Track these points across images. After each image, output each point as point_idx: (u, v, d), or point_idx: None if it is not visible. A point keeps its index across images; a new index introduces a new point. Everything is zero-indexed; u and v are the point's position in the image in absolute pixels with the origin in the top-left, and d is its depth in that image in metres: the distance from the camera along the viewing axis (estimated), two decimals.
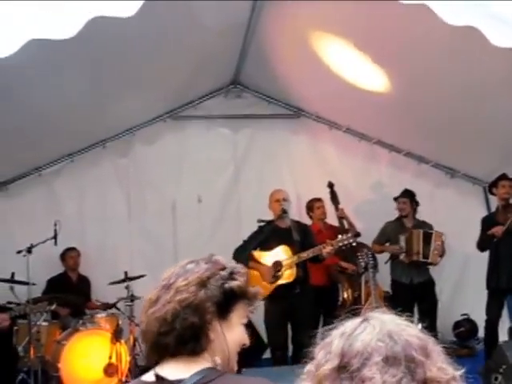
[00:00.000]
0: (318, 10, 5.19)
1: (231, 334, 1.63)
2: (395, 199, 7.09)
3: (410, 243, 6.84)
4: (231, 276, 1.64)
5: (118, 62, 5.67)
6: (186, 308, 1.56)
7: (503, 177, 6.53)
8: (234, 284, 1.62)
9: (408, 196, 7.04)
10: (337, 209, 7.02)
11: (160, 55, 5.93)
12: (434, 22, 3.22)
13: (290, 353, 6.08)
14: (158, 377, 1.57)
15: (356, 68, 6.25)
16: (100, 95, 6.13)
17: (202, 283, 1.59)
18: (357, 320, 1.11)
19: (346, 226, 7.03)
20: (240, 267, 1.71)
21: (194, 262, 1.68)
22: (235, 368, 1.69)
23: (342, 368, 1.05)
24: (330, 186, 7.11)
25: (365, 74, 6.28)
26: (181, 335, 1.56)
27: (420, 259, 6.79)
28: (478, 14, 3.15)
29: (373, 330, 1.07)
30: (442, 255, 6.84)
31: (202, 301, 1.57)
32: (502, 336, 6.59)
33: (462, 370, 1.09)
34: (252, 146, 7.96)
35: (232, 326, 1.63)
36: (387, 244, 7.04)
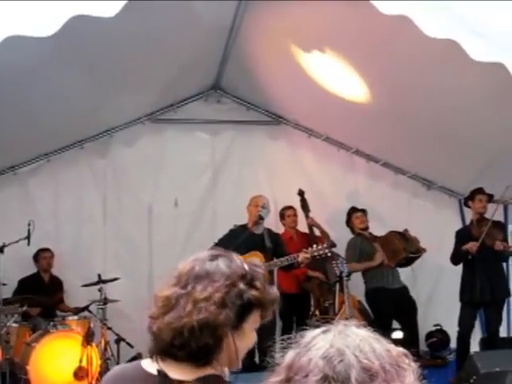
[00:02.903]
0: (301, 18, 5.21)
1: (243, 341, 1.61)
2: (348, 220, 7.17)
3: (390, 245, 6.91)
4: (251, 284, 1.59)
5: (97, 63, 5.63)
6: (204, 329, 1.51)
7: (480, 191, 6.59)
8: (252, 295, 1.57)
9: (360, 210, 7.17)
10: (307, 216, 7.03)
11: (141, 58, 5.90)
12: (415, 35, 3.25)
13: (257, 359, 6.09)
14: (160, 372, 1.55)
15: (337, 77, 6.28)
16: (79, 95, 6.07)
17: (223, 302, 1.53)
18: (317, 330, 1.08)
19: (319, 233, 7.07)
20: (259, 266, 1.65)
21: (213, 259, 1.61)
22: (240, 365, 1.66)
23: (287, 382, 1.03)
24: (301, 193, 7.12)
25: (345, 83, 6.31)
26: (194, 353, 1.53)
27: (408, 254, 6.87)
28: (458, 27, 3.19)
29: (323, 345, 1.03)
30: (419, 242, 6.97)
31: (221, 324, 1.52)
32: (474, 347, 6.66)
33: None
34: (230, 152, 7.94)
35: (245, 334, 1.61)
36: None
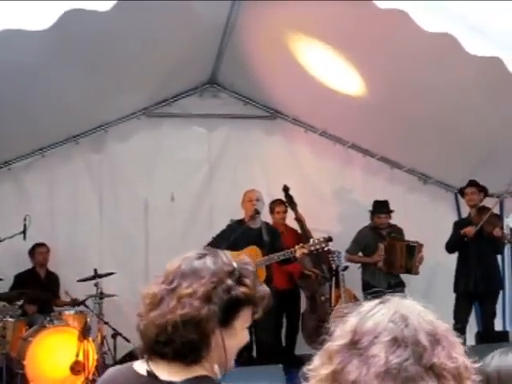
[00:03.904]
0: (297, 12, 5.20)
1: (234, 340, 1.59)
2: (373, 212, 7.06)
3: (392, 255, 6.86)
4: (239, 280, 1.57)
5: (93, 57, 5.61)
6: (187, 324, 1.50)
7: (469, 184, 6.64)
8: (240, 292, 1.56)
9: (388, 210, 7.01)
10: (295, 212, 6.98)
11: (137, 52, 5.88)
12: (412, 29, 3.24)
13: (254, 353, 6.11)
14: (149, 373, 1.55)
15: (333, 72, 6.27)
16: (74, 90, 6.04)
17: (207, 297, 1.52)
18: (374, 302, 1.15)
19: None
20: (248, 263, 1.64)
21: (201, 258, 1.61)
22: (232, 367, 1.64)
23: (353, 344, 1.08)
24: (285, 189, 6.96)
25: (342, 77, 6.30)
26: (180, 349, 1.52)
27: (402, 271, 6.88)
28: (455, 21, 3.18)
29: (387, 312, 1.10)
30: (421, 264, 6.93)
31: (205, 318, 1.51)
32: (469, 341, 6.68)
33: (479, 364, 1.13)
34: (227, 146, 7.93)
35: (235, 332, 1.59)
36: (360, 253, 7.05)
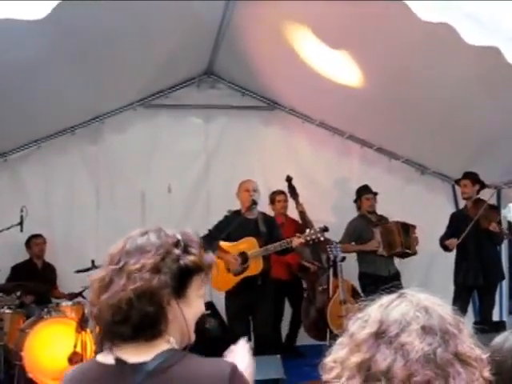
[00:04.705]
0: (295, 3, 5.16)
1: (190, 309, 1.60)
2: (358, 199, 7.14)
3: (390, 236, 6.91)
4: (186, 250, 1.59)
5: (89, 48, 5.58)
6: (141, 297, 1.50)
7: (464, 176, 6.65)
8: (189, 260, 1.58)
9: (372, 192, 7.10)
10: (297, 202, 6.97)
11: (133, 43, 5.84)
12: (410, 19, 3.22)
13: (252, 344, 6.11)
14: (117, 360, 1.53)
15: (331, 63, 6.24)
16: (70, 80, 6.01)
17: (156, 268, 1.53)
18: (393, 295, 1.19)
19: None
20: (192, 234, 1.67)
21: (144, 235, 1.62)
22: (193, 338, 1.64)
23: (380, 334, 1.11)
24: (288, 180, 6.98)
25: (340, 68, 6.27)
26: (137, 324, 1.51)
27: (404, 250, 6.90)
28: (453, 11, 3.16)
29: (410, 303, 1.15)
30: (417, 245, 7.03)
31: (157, 288, 1.51)
32: None
33: (488, 354, 1.16)
34: (224, 137, 7.91)
35: (190, 301, 1.60)
36: (353, 243, 7.06)
